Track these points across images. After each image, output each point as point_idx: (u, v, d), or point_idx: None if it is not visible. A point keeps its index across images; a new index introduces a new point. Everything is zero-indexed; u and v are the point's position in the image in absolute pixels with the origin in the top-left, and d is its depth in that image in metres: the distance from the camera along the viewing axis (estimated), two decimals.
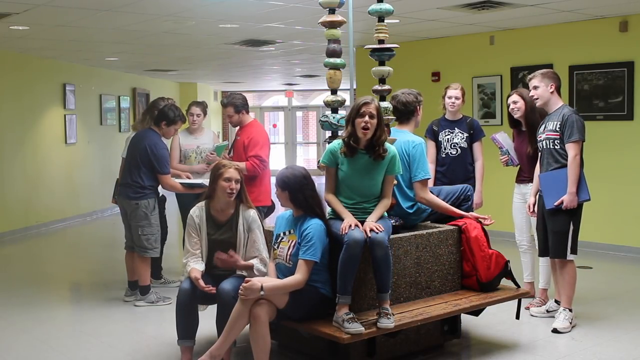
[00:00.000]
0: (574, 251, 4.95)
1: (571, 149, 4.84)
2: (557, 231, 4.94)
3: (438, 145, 5.79)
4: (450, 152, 5.74)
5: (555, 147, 4.93)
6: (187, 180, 6.06)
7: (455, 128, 5.79)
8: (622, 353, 4.54)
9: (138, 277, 5.90)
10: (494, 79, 8.88)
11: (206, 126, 6.97)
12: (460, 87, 5.85)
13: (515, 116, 5.46)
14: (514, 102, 5.43)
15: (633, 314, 5.44)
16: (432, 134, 5.82)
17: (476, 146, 5.81)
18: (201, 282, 4.19)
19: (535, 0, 6.88)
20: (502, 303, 4.68)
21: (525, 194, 5.49)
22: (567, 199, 4.83)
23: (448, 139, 5.76)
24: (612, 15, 7.70)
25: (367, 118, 4.09)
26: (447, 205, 4.71)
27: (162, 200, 6.52)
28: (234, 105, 6.03)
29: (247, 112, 6.16)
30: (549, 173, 4.97)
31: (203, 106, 6.72)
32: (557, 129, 4.90)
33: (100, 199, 12.29)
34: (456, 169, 5.71)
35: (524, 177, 5.53)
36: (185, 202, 6.19)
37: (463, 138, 5.76)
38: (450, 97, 5.77)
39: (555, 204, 4.87)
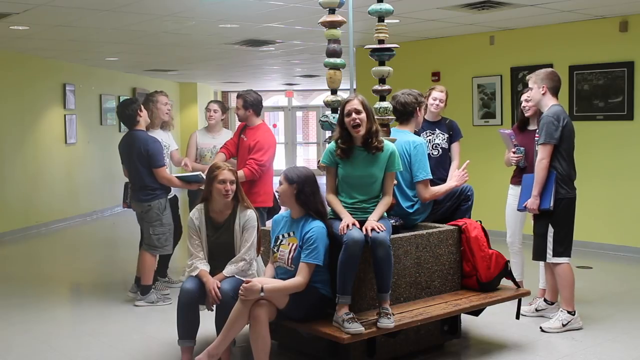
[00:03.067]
0: (560, 254, 4.90)
1: (539, 152, 4.84)
2: (537, 233, 4.97)
3: None
4: (432, 153, 5.73)
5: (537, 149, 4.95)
6: (183, 174, 6.05)
7: (436, 129, 5.78)
8: (622, 353, 4.54)
9: (141, 276, 5.91)
10: (494, 79, 8.88)
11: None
12: (445, 90, 5.82)
13: (527, 114, 5.42)
14: (526, 100, 5.38)
15: (633, 314, 5.44)
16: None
17: (454, 147, 5.81)
18: (217, 291, 4.17)
19: (535, 0, 6.88)
20: (502, 303, 4.68)
21: None
22: (529, 202, 4.86)
23: (430, 139, 5.75)
24: (612, 15, 7.70)
25: (354, 115, 4.11)
26: (446, 187, 4.77)
27: (174, 201, 6.53)
28: (244, 99, 5.93)
29: (257, 114, 6.03)
30: (529, 175, 4.98)
31: (221, 104, 6.79)
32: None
33: (100, 199, 12.31)
34: (437, 170, 5.69)
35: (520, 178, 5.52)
36: (196, 200, 6.24)
37: (444, 139, 5.76)
38: (435, 99, 5.74)
39: (522, 206, 4.93)
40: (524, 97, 5.43)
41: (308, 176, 4.16)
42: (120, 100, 13.28)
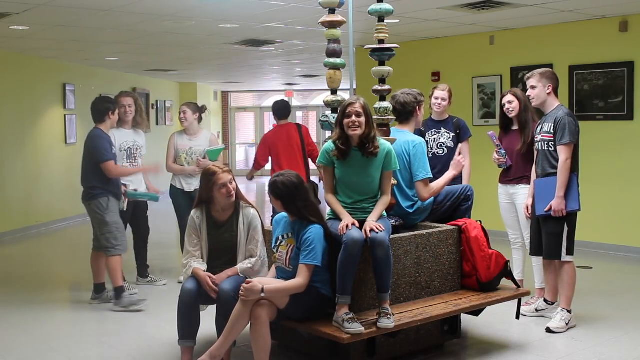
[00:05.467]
0: (570, 252, 4.94)
1: (562, 152, 4.84)
2: (551, 232, 4.94)
3: None
4: (437, 152, 5.74)
5: (550, 148, 4.94)
6: (141, 192, 6.24)
7: (442, 128, 5.80)
8: (622, 353, 4.54)
9: (111, 279, 5.79)
10: (494, 79, 8.88)
11: (205, 127, 7.01)
12: (447, 88, 5.86)
13: (510, 116, 5.49)
14: (509, 102, 5.46)
15: (633, 314, 5.44)
16: (420, 135, 5.80)
17: (463, 146, 5.81)
18: (209, 282, 4.20)
19: (535, 0, 6.88)
20: (502, 303, 4.68)
21: (513, 194, 5.53)
22: (555, 203, 4.83)
23: (435, 139, 5.76)
24: (612, 15, 7.70)
25: (354, 117, 4.11)
26: (444, 179, 4.76)
27: (143, 204, 6.52)
28: (273, 110, 7.49)
29: (278, 118, 7.33)
30: (543, 179, 4.98)
31: (192, 105, 6.69)
32: (551, 131, 4.90)
33: None
34: (443, 170, 5.69)
35: (510, 178, 5.54)
36: (181, 204, 6.40)
37: (449, 138, 5.76)
38: (437, 98, 5.78)
39: (545, 210, 4.89)
40: (505, 99, 5.49)
41: (290, 188, 4.10)
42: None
